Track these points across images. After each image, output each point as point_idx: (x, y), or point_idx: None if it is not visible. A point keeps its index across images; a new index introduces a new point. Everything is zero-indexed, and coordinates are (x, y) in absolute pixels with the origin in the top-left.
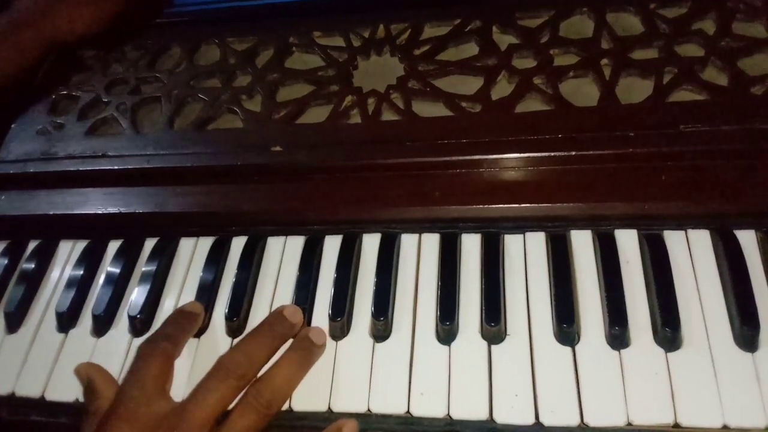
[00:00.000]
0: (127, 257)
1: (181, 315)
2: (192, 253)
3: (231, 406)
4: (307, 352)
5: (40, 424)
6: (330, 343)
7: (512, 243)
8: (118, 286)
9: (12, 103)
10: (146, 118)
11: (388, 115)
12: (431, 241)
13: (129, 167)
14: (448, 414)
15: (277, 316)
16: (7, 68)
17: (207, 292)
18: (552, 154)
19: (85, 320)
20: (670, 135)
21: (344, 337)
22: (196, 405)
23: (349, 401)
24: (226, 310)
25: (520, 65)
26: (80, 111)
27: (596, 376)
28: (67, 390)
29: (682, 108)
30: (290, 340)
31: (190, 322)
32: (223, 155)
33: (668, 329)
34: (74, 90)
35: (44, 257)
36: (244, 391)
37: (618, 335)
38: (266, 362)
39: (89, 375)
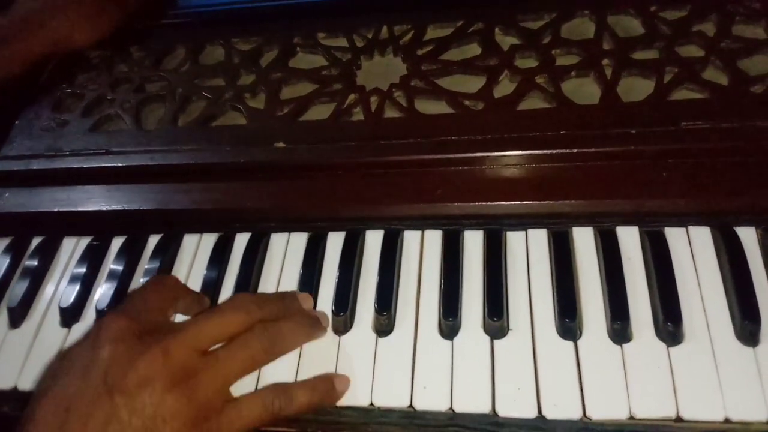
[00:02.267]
0: (131, 254)
1: (192, 290)
2: (195, 250)
3: None
4: (312, 322)
5: None
6: (333, 338)
7: (514, 240)
8: (122, 282)
9: (17, 101)
10: (150, 115)
11: (390, 113)
12: (434, 238)
13: (132, 164)
14: (451, 408)
15: (291, 294)
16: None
17: (211, 289)
18: (554, 151)
19: (89, 316)
20: (671, 132)
21: (347, 332)
22: (195, 325)
23: (352, 395)
24: None
25: (522, 65)
26: (85, 108)
27: (598, 370)
28: None
29: (683, 106)
30: None
31: (198, 297)
32: (226, 152)
33: (670, 324)
34: (79, 88)
35: (48, 253)
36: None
37: (620, 330)
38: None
39: None
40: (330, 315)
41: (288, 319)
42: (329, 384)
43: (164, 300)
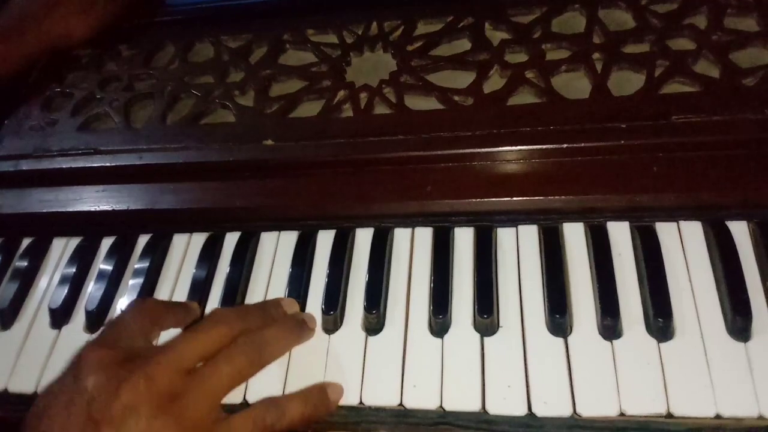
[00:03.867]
0: (120, 254)
1: (176, 303)
2: (185, 249)
3: None
4: (298, 325)
5: None
6: (323, 336)
7: (505, 236)
8: (111, 282)
9: (5, 100)
10: (139, 114)
11: (380, 110)
12: (424, 235)
13: (121, 164)
14: (441, 406)
15: (273, 301)
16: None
17: (200, 288)
18: (544, 146)
19: (79, 316)
20: (662, 126)
21: (337, 330)
22: (176, 345)
23: (342, 394)
24: (219, 306)
25: (513, 60)
26: (73, 107)
27: (589, 367)
28: None
29: (674, 99)
30: None
31: (183, 307)
32: (215, 150)
33: (660, 319)
34: (68, 87)
35: (38, 254)
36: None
37: (610, 326)
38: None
39: None
40: (320, 314)
41: (272, 326)
42: (322, 393)
43: (144, 324)
